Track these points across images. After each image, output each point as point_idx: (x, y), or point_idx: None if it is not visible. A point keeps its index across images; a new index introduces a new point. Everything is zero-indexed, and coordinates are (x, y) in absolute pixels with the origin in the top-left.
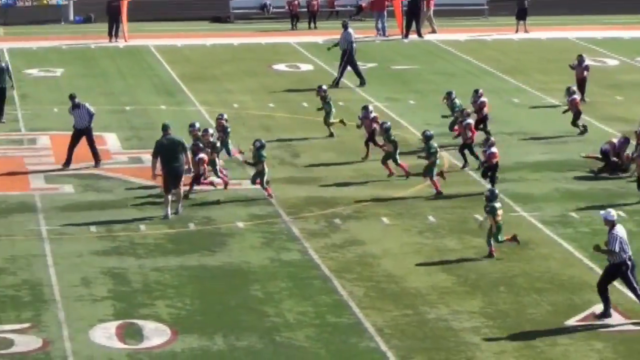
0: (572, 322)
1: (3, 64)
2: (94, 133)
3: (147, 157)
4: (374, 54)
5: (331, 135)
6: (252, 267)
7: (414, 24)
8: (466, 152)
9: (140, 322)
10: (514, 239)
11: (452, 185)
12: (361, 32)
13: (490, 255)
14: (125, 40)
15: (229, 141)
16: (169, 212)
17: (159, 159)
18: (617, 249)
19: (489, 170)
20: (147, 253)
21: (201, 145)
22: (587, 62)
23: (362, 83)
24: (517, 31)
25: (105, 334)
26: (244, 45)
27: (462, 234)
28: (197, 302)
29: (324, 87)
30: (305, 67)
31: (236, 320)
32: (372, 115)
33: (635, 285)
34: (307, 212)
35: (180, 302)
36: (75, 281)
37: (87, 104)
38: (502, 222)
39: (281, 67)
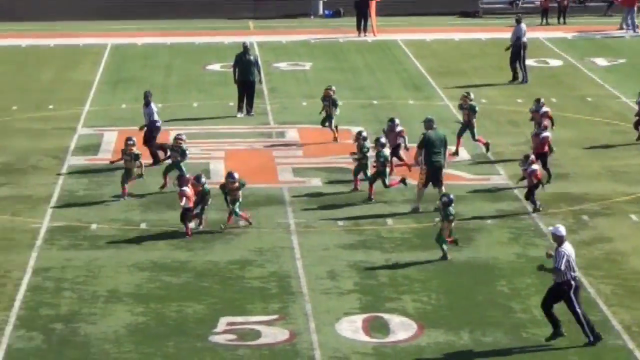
0: None
1: (252, 57)
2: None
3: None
4: (623, 50)
5: (335, 139)
6: (498, 263)
7: None
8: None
9: (386, 315)
10: (454, 242)
11: None
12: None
13: (444, 257)
14: (374, 35)
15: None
16: (419, 206)
17: (423, 151)
18: (562, 268)
19: (532, 189)
20: (393, 247)
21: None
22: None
23: (514, 79)
24: None
25: (351, 327)
26: (492, 40)
27: None
28: (443, 297)
29: (333, 87)
30: (554, 62)
31: (482, 316)
32: (398, 128)
33: (577, 308)
34: (555, 208)
35: (426, 297)
36: (322, 274)
37: (155, 106)
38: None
39: (530, 62)
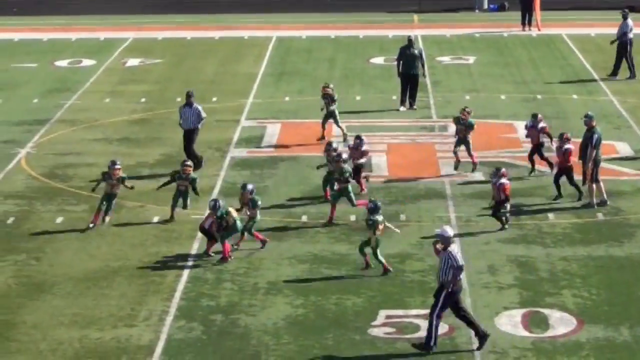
0: None
1: (416, 51)
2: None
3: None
4: None
5: (344, 138)
6: None
7: None
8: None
9: (546, 310)
10: (367, 265)
11: None
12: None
13: (385, 271)
14: (539, 29)
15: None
16: (595, 200)
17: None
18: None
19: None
20: (554, 242)
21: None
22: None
23: (614, 74)
24: None
25: (510, 322)
26: None
27: None
28: (603, 292)
29: (331, 85)
30: None
31: None
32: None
33: (435, 314)
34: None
35: (586, 292)
36: (482, 268)
37: (199, 106)
38: (380, 238)
39: None
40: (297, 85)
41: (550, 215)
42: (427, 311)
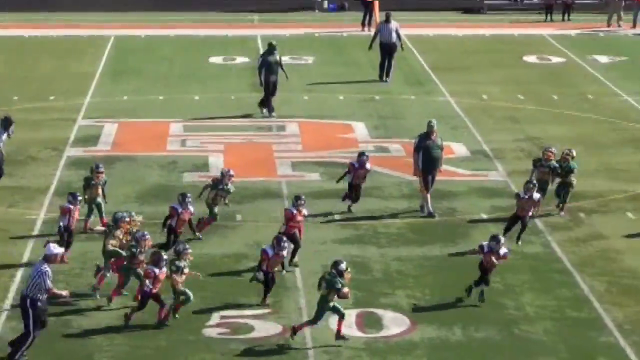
0: None
1: (278, 57)
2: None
3: (394, 146)
4: (625, 48)
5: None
6: None
7: None
8: None
9: (379, 311)
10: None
11: None
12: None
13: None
14: None
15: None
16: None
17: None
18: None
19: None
20: (389, 242)
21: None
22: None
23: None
24: None
25: (344, 322)
26: (495, 37)
27: None
28: (437, 292)
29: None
30: (556, 59)
31: (475, 312)
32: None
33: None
34: (553, 204)
35: (419, 292)
36: (316, 268)
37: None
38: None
39: (532, 59)
40: (135, 85)
41: (386, 215)
42: (262, 312)
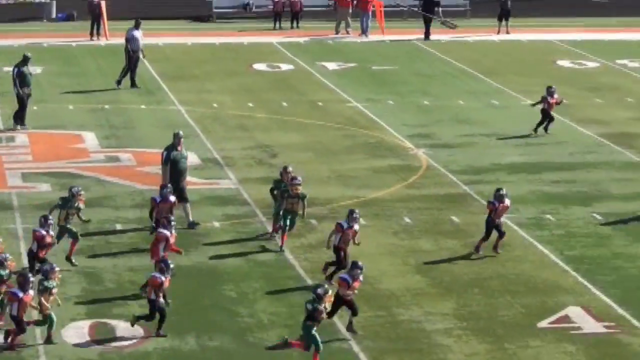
0: (544, 324)
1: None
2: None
3: (125, 156)
4: (354, 54)
5: None
6: (226, 267)
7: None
8: None
9: (113, 321)
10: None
11: (428, 187)
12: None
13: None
14: (107, 39)
15: None
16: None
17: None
18: None
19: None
20: (122, 253)
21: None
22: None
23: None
24: (498, 32)
25: (77, 334)
26: (225, 45)
27: (437, 236)
28: (169, 301)
29: None
30: (286, 67)
31: (208, 320)
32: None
33: None
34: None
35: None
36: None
37: None
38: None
39: (262, 66)
40: None
41: (118, 225)
42: None
